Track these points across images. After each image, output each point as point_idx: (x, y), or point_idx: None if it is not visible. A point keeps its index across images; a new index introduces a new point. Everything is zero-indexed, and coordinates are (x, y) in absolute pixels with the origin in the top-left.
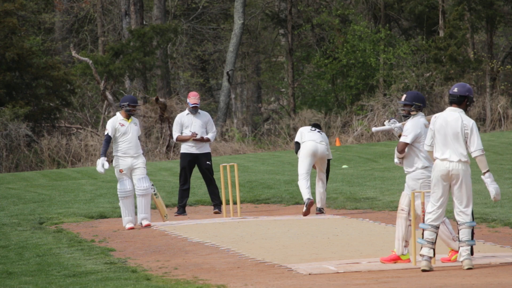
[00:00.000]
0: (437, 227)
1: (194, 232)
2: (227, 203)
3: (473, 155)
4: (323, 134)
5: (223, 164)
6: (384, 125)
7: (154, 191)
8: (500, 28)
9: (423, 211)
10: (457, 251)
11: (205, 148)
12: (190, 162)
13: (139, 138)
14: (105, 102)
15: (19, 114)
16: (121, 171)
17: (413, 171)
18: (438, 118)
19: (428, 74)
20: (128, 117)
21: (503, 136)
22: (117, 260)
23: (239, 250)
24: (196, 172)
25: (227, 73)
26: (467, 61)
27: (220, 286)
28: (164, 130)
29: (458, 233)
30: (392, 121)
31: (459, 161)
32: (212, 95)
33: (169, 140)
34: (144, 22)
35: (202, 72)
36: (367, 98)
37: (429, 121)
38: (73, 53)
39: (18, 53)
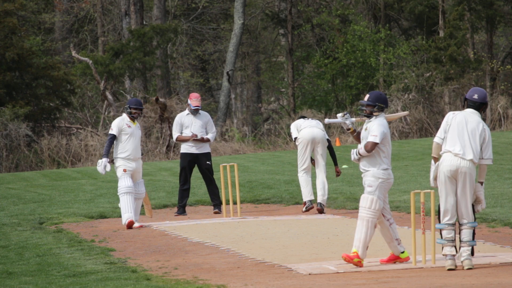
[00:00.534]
0: (454, 224)
1: (194, 232)
2: (227, 203)
3: (483, 162)
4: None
5: (223, 164)
6: (337, 117)
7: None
8: (500, 28)
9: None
10: (397, 256)
11: (205, 148)
12: (190, 162)
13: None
14: (105, 102)
15: (19, 114)
16: (124, 170)
17: (374, 169)
18: (458, 115)
19: (428, 74)
20: (133, 120)
21: (503, 136)
22: (117, 260)
23: (239, 250)
24: (196, 172)
25: (227, 73)
26: (467, 61)
27: (220, 286)
28: (164, 130)
29: (460, 233)
30: (346, 115)
31: (471, 160)
32: (212, 95)
33: (169, 140)
34: (144, 22)
35: (202, 72)
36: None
37: (389, 120)
38: (73, 53)
39: (18, 53)
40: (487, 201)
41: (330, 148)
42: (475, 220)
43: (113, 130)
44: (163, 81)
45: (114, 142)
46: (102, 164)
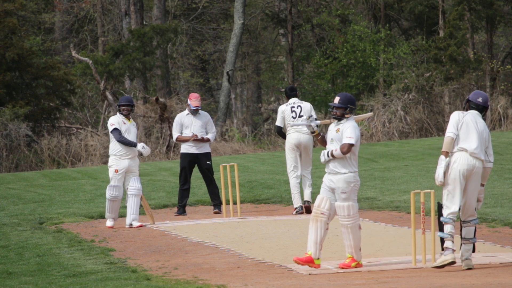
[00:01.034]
0: (454, 221)
1: (194, 232)
2: (227, 203)
3: (488, 165)
4: (304, 105)
5: (223, 164)
6: (303, 120)
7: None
8: (500, 28)
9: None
10: (312, 260)
11: (205, 148)
12: (190, 162)
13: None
14: (105, 102)
15: (19, 114)
16: (116, 171)
17: (345, 173)
18: (467, 115)
19: (428, 74)
20: (127, 117)
21: (503, 136)
22: (117, 260)
23: (239, 250)
24: (196, 172)
25: (227, 73)
26: (467, 61)
27: (220, 286)
28: (164, 130)
29: (461, 231)
30: (311, 118)
31: (482, 160)
32: (212, 95)
33: (169, 140)
34: (144, 22)
35: (202, 72)
36: (367, 98)
37: (357, 121)
38: (73, 53)
39: (18, 53)
40: (487, 201)
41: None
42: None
43: (114, 125)
44: (163, 81)
45: (110, 140)
46: (140, 147)
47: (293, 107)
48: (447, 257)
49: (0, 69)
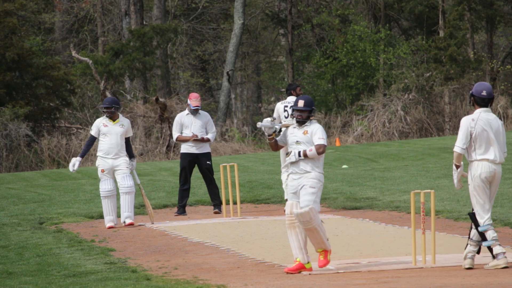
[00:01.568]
0: (492, 225)
1: (194, 232)
2: (227, 203)
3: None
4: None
5: (223, 164)
6: (266, 121)
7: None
8: (500, 28)
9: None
10: (303, 265)
11: (205, 148)
12: (190, 162)
13: (129, 139)
14: None
15: (19, 114)
16: (102, 171)
17: (316, 172)
18: (479, 120)
19: (428, 74)
20: (111, 118)
21: None
22: (117, 260)
23: (239, 250)
24: (196, 172)
25: (227, 73)
26: (467, 61)
27: (220, 286)
28: (164, 130)
29: (470, 232)
30: (275, 121)
31: (500, 162)
32: (212, 95)
33: (169, 140)
34: (144, 22)
35: (202, 72)
36: (367, 98)
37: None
38: (73, 53)
39: (18, 53)
40: None
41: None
42: None
43: (92, 130)
44: (163, 81)
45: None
46: (71, 162)
47: (286, 106)
48: (499, 262)
49: (0, 69)
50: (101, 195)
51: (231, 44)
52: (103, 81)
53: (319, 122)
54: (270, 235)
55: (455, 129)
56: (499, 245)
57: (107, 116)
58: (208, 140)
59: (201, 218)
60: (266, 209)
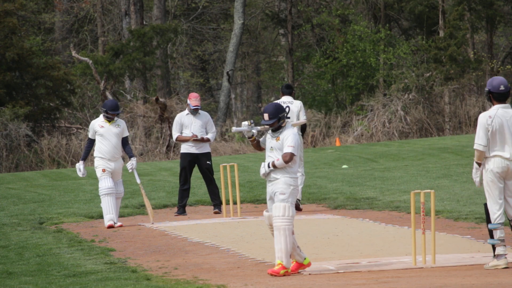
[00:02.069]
0: (503, 224)
1: (194, 232)
2: (227, 203)
3: None
4: (292, 106)
5: (223, 164)
6: (242, 125)
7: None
8: (500, 28)
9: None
10: (301, 264)
11: (205, 148)
12: (190, 162)
13: (127, 139)
14: None
15: (19, 114)
16: (103, 170)
17: (286, 176)
18: (495, 117)
19: (428, 74)
20: (108, 120)
21: None
22: (117, 260)
23: (239, 250)
24: (196, 172)
25: (227, 73)
26: (467, 61)
27: (220, 286)
28: (164, 130)
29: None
30: (252, 124)
31: None
32: (212, 95)
33: (169, 140)
34: (144, 22)
35: (202, 72)
36: (367, 98)
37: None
38: (73, 53)
39: (18, 53)
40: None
41: (304, 126)
42: None
43: (89, 132)
44: (163, 81)
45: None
46: (77, 168)
47: (288, 106)
48: (499, 262)
49: (0, 69)
50: (101, 193)
51: (231, 44)
52: (103, 81)
53: (319, 122)
54: (270, 235)
55: (455, 129)
56: (504, 246)
57: (106, 119)
58: (208, 140)
59: (201, 218)
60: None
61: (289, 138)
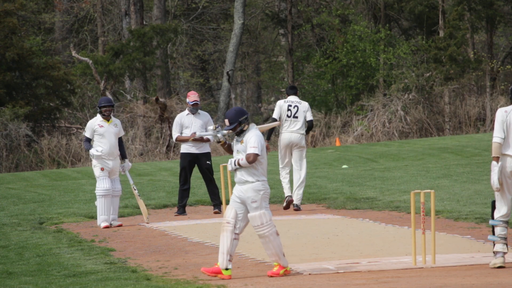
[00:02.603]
0: (507, 223)
1: (194, 232)
2: (227, 203)
3: None
4: (301, 106)
5: (223, 164)
6: (208, 130)
7: (136, 191)
8: (500, 28)
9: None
10: (220, 271)
11: (205, 148)
12: (190, 162)
13: (122, 139)
14: None
15: (19, 114)
16: (102, 169)
17: (253, 182)
18: (511, 113)
19: (428, 74)
20: (106, 119)
21: None
22: (117, 260)
23: (239, 250)
24: (196, 172)
25: (227, 73)
26: (467, 61)
27: (220, 286)
28: (164, 130)
29: None
30: (218, 128)
31: None
32: (212, 95)
33: (169, 140)
34: (144, 22)
35: (202, 72)
36: (367, 98)
37: (261, 131)
38: (73, 53)
39: (18, 53)
40: (487, 200)
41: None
42: None
43: (87, 132)
44: (163, 81)
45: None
46: (92, 153)
47: (290, 105)
48: (496, 260)
49: (0, 69)
50: (98, 193)
51: (231, 44)
52: (103, 81)
53: (319, 122)
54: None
55: (455, 129)
56: (504, 244)
57: (104, 116)
58: (208, 140)
59: (201, 218)
60: None
61: (252, 139)
